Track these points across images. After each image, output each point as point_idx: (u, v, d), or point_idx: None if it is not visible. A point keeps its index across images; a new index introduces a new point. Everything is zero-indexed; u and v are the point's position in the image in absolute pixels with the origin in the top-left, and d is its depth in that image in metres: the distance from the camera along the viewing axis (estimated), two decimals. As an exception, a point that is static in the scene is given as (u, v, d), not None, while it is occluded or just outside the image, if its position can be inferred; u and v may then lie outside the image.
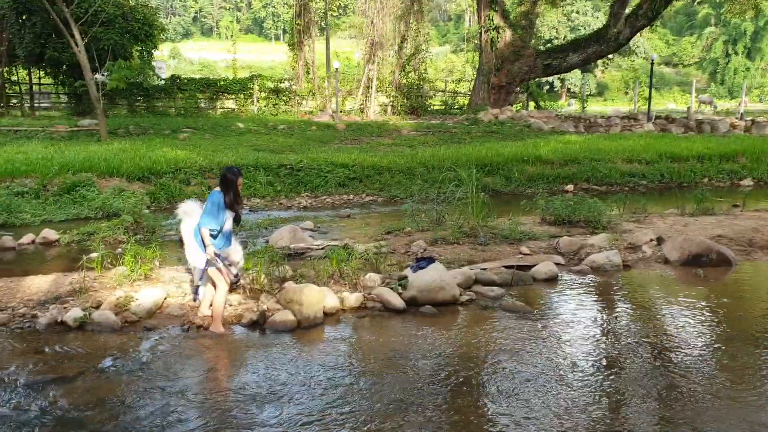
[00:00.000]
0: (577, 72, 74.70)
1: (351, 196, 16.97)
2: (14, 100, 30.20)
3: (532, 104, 36.96)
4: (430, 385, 5.52)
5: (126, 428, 4.74)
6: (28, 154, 17.19)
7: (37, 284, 7.91)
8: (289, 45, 35.74)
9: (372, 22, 31.22)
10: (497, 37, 31.47)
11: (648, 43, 71.22)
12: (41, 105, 32.08)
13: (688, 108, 37.56)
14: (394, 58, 33.03)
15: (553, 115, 31.55)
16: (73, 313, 6.80)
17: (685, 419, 4.92)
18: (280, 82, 32.93)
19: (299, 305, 6.91)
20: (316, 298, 7.04)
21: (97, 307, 7.06)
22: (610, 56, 69.36)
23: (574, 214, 11.58)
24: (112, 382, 5.53)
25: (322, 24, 38.53)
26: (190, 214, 7.30)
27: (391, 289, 7.61)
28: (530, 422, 4.88)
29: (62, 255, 10.37)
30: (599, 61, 73.75)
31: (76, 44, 20.53)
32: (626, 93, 68.16)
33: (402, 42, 32.58)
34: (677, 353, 6.24)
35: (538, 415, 4.99)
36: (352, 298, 7.48)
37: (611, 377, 5.68)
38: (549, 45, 41.12)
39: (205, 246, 6.54)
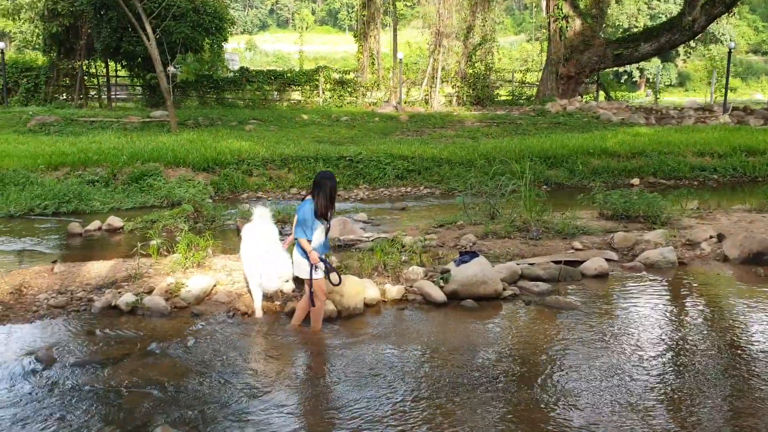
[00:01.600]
0: (657, 61, 72.33)
1: (408, 189, 17.01)
2: (93, 92, 31.55)
3: (602, 95, 35.98)
4: (457, 379, 5.53)
5: (161, 409, 4.95)
6: (101, 144, 18.00)
7: (97, 269, 8.29)
8: (354, 36, 35.97)
9: (438, 11, 31.04)
10: (566, 27, 30.77)
11: (735, 30, 67.99)
12: (118, 96, 33.44)
13: (771, 98, 35.84)
14: (460, 48, 32.74)
15: (624, 106, 30.63)
16: (126, 298, 7.12)
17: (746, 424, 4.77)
18: (346, 74, 33.20)
19: (340, 296, 7.02)
20: (357, 289, 7.12)
21: (149, 293, 7.36)
22: (693, 44, 66.94)
23: (632, 209, 11.27)
24: (155, 364, 5.76)
25: (390, 15, 38.50)
26: (262, 219, 7.43)
27: (433, 282, 7.62)
28: (565, 418, 4.83)
29: (125, 242, 10.81)
30: (681, 50, 71.39)
31: (148, 38, 21.28)
32: (709, 83, 65.51)
33: (468, 32, 32.25)
34: (722, 354, 6.01)
35: (567, 412, 4.92)
36: (394, 290, 7.53)
37: (648, 378, 5.52)
38: (627, 34, 39.65)
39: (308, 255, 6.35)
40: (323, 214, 6.40)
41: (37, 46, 30.91)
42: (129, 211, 13.37)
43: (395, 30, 37.52)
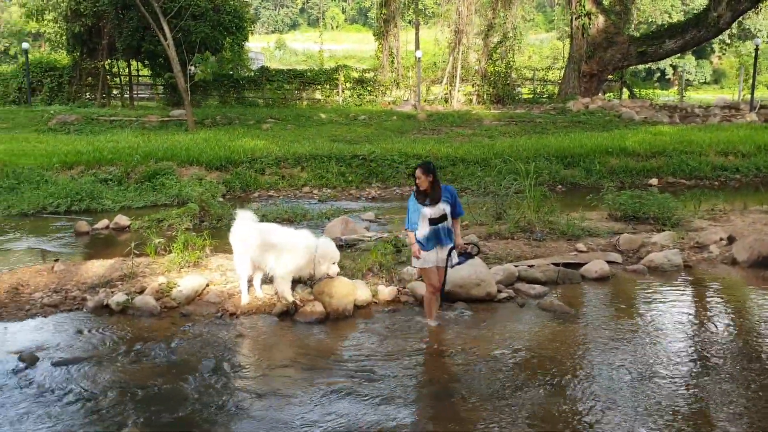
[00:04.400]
0: (691, 58, 71.04)
1: (422, 188, 16.83)
2: (115, 92, 31.95)
3: (626, 93, 35.43)
4: (424, 381, 5.47)
5: (135, 410, 4.92)
6: (116, 143, 18.19)
7: (95, 268, 8.33)
8: (374, 34, 35.90)
9: (457, 9, 30.83)
10: (589, 24, 30.34)
11: (769, 25, 66.53)
12: (140, 96, 33.81)
13: (802, 96, 34.95)
14: (480, 46, 32.49)
15: (648, 104, 30.10)
16: (117, 298, 7.13)
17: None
18: (365, 72, 33.16)
19: (329, 297, 6.96)
20: (347, 290, 7.05)
21: (141, 293, 7.37)
22: (728, 41, 65.48)
23: (642, 210, 11.04)
24: (137, 365, 5.75)
25: (411, 13, 38.34)
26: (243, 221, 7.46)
27: (427, 283, 7.51)
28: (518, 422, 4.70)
29: (130, 240, 10.85)
30: (716, 47, 69.92)
31: (165, 37, 21.44)
32: (746, 80, 64.13)
33: (489, 30, 31.99)
34: (711, 358, 5.82)
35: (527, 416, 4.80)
36: (386, 292, 7.45)
37: (624, 383, 5.36)
38: (651, 31, 38.91)
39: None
40: (420, 201, 6.51)
41: (61, 46, 31.35)
42: (140, 210, 13.46)
43: (417, 28, 37.36)
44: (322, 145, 19.19)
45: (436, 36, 38.10)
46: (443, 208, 6.47)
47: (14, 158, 15.63)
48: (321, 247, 6.96)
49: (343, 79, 31.90)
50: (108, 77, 31.08)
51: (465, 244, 7.00)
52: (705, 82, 72.40)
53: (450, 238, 6.56)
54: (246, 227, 7.25)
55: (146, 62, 30.40)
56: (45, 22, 31.04)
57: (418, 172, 6.48)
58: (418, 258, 6.53)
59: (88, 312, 7.09)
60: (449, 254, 6.56)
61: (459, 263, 7.36)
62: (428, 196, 6.49)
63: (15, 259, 9.64)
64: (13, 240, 10.93)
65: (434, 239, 6.50)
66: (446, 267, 6.61)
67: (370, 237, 10.06)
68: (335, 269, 6.95)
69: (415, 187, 6.58)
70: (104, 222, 11.89)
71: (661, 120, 26.85)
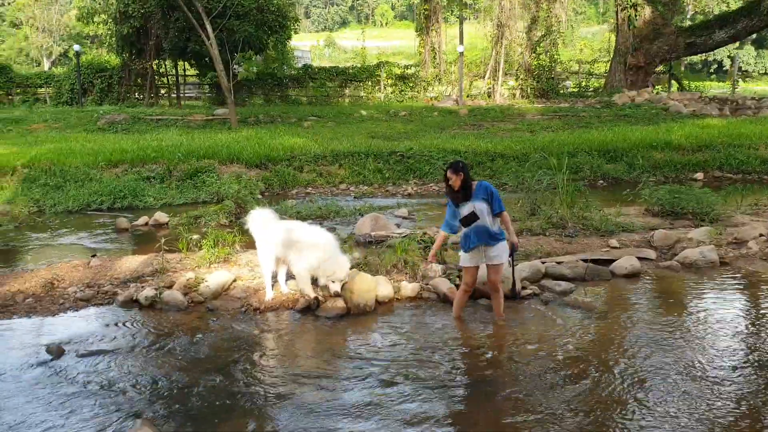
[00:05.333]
0: (750, 49, 68.58)
1: (459, 184, 16.74)
2: (163, 91, 32.68)
3: (675, 85, 34.49)
4: (439, 375, 5.45)
5: (149, 402, 5.06)
6: (161, 142, 18.61)
7: (128, 264, 8.57)
8: (416, 30, 35.81)
9: (500, 3, 30.50)
10: (635, 15, 29.63)
11: None
12: (187, 95, 34.50)
13: None
14: (523, 40, 32.08)
15: (697, 96, 29.23)
16: (146, 292, 7.32)
17: None
18: (407, 69, 33.12)
19: (350, 293, 6.99)
20: (368, 286, 7.07)
21: (170, 287, 7.54)
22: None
23: (680, 205, 10.75)
24: (158, 358, 5.90)
25: (454, 7, 38.05)
26: (262, 220, 7.55)
27: (449, 280, 7.49)
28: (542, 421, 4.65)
29: (168, 237, 11.12)
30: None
31: (208, 37, 21.82)
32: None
33: (532, 23, 31.57)
34: (735, 359, 5.64)
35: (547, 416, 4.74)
36: (409, 288, 7.45)
37: (635, 384, 5.24)
38: (700, 21, 37.70)
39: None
40: (453, 201, 6.54)
41: (111, 48, 32.26)
42: (180, 207, 13.78)
43: (461, 22, 37.06)
44: (360, 142, 19.27)
45: (478, 30, 37.82)
46: (473, 205, 6.36)
47: (62, 157, 16.14)
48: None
49: (384, 75, 31.94)
50: (156, 77, 31.79)
51: None
52: (765, 73, 69.79)
53: (492, 236, 6.44)
54: (269, 224, 7.34)
55: (192, 62, 31.03)
56: (96, 24, 31.91)
57: (448, 173, 6.41)
58: (429, 262, 6.85)
59: (118, 306, 7.30)
60: (511, 253, 6.65)
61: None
62: (460, 195, 6.44)
63: (56, 254, 9.97)
64: (57, 236, 11.31)
65: (473, 239, 6.45)
66: (512, 265, 6.88)
67: (399, 234, 10.05)
68: (335, 287, 6.88)
69: (447, 189, 6.52)
70: (144, 219, 12.20)
71: (710, 113, 26.05)
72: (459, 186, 6.36)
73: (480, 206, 6.37)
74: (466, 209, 6.40)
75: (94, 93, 30.45)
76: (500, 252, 6.51)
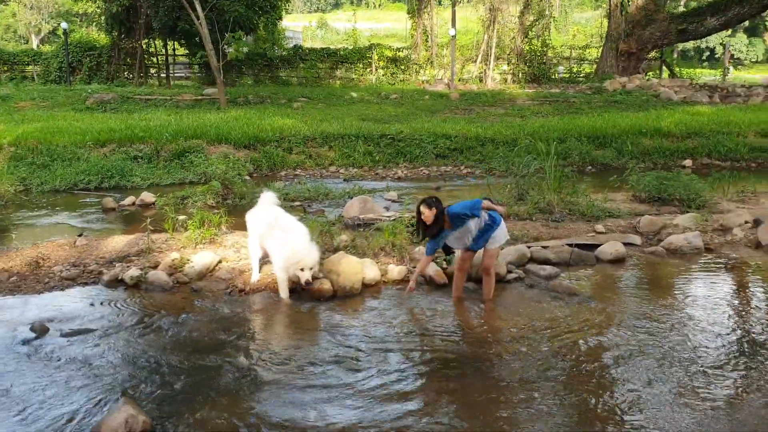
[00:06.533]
0: (742, 36, 68.61)
1: (449, 168, 16.79)
2: (153, 71, 32.37)
3: (666, 72, 34.50)
4: (419, 357, 5.50)
5: (133, 381, 5.06)
6: (149, 122, 18.47)
7: (114, 244, 8.54)
8: (408, 12, 35.59)
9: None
10: (628, 1, 29.57)
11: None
12: (177, 75, 34.19)
13: None
14: (516, 24, 31.96)
15: (688, 83, 29.31)
16: (131, 272, 7.30)
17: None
18: (399, 51, 32.95)
19: (337, 275, 7.00)
20: (355, 269, 7.08)
21: (155, 268, 7.52)
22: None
23: (667, 191, 10.80)
24: (142, 337, 5.89)
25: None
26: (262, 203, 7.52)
27: (436, 263, 7.51)
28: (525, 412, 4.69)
29: (154, 217, 11.07)
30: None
31: (197, 16, 21.60)
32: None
33: (524, 8, 31.44)
34: (716, 343, 5.70)
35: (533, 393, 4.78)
36: (395, 271, 7.46)
37: (627, 371, 5.29)
38: (693, 8, 37.57)
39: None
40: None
41: (100, 26, 31.87)
42: (168, 187, 13.70)
43: (453, 5, 36.85)
44: (350, 125, 19.20)
45: (470, 14, 37.57)
46: (455, 235, 6.58)
47: (49, 136, 15.99)
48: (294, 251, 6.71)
49: (376, 57, 31.77)
50: (145, 57, 31.47)
51: None
52: (757, 62, 69.91)
53: (486, 232, 6.59)
54: (264, 209, 7.32)
55: (182, 41, 30.72)
56: (85, 2, 31.49)
57: (422, 207, 6.42)
58: (411, 289, 6.83)
59: (103, 285, 7.28)
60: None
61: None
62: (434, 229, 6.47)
63: (42, 233, 9.92)
64: (44, 216, 11.25)
65: (477, 245, 6.68)
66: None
67: (388, 217, 10.05)
68: (306, 275, 6.66)
69: (420, 225, 6.55)
70: (131, 198, 12.14)
71: (700, 100, 26.14)
72: (432, 220, 6.38)
73: (464, 230, 6.52)
74: (447, 240, 6.59)
75: (83, 72, 30.11)
76: (497, 235, 6.59)
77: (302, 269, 6.61)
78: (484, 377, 5.19)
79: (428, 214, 6.37)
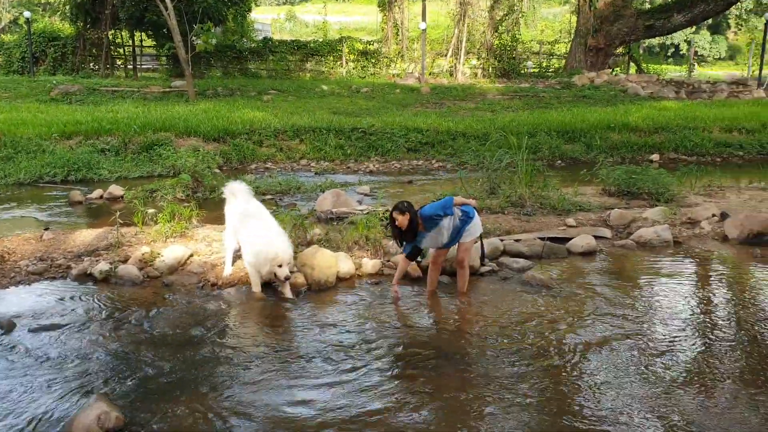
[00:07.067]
0: (706, 34, 69.81)
1: (420, 162, 16.82)
2: (119, 62, 31.80)
3: (633, 68, 34.98)
4: (392, 350, 5.51)
5: (105, 377, 4.97)
6: (116, 114, 18.15)
7: (82, 237, 8.37)
8: (378, 6, 35.50)
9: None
10: (596, -3, 29.93)
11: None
12: (144, 67, 33.60)
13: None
14: (486, 19, 32.08)
15: (655, 79, 29.78)
16: (100, 266, 7.17)
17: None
18: (369, 45, 32.86)
19: (311, 269, 6.96)
20: (329, 262, 7.05)
21: (125, 262, 7.40)
22: (744, 16, 64.03)
23: (636, 185, 10.95)
24: (114, 332, 5.79)
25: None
26: (236, 195, 7.38)
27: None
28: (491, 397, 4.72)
29: (123, 210, 10.89)
30: (732, 22, 68.61)
31: (166, 7, 21.27)
32: (757, 56, 63.02)
33: (495, 2, 31.58)
34: (683, 334, 5.80)
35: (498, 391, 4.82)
36: (369, 265, 7.45)
37: (597, 361, 5.36)
38: (659, 4, 38.11)
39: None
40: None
41: (65, 16, 31.16)
42: (136, 180, 13.50)
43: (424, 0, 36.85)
44: (321, 118, 19.10)
45: (441, 8, 37.56)
46: (431, 236, 6.59)
47: (13, 128, 15.62)
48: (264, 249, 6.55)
49: (347, 50, 31.63)
50: (111, 48, 30.88)
51: None
52: (720, 59, 71.25)
53: (462, 225, 6.65)
54: (240, 203, 7.22)
55: (150, 33, 30.20)
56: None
57: (394, 214, 6.39)
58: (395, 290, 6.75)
59: (72, 280, 7.14)
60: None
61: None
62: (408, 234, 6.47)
63: (7, 227, 9.68)
64: (8, 209, 10.99)
65: (451, 243, 6.75)
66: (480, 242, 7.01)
67: (361, 210, 10.03)
68: (283, 272, 6.53)
69: (394, 230, 6.52)
70: (98, 192, 11.93)
71: (666, 95, 26.57)
72: (406, 226, 6.37)
73: (438, 230, 6.52)
74: (423, 242, 6.61)
75: (47, 62, 29.41)
76: (471, 228, 6.63)
77: (280, 265, 6.50)
78: (458, 369, 5.21)
79: (402, 220, 6.36)
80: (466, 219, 6.62)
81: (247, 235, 6.84)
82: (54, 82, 24.46)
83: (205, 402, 4.65)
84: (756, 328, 6.05)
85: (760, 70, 29.93)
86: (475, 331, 5.96)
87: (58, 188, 12.77)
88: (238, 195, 7.42)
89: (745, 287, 7.29)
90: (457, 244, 6.74)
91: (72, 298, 6.62)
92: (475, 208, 6.79)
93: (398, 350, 5.55)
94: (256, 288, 6.83)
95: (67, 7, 29.30)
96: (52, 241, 8.30)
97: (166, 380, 4.95)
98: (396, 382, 5.00)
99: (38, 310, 6.25)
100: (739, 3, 32.75)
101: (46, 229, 8.99)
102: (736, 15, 66.01)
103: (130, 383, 4.90)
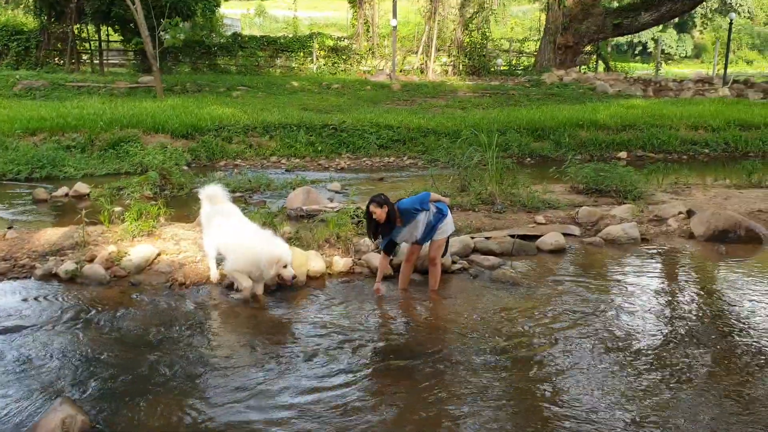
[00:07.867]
0: (672, 32, 70.98)
1: (391, 159, 16.81)
2: (85, 57, 31.20)
3: (601, 66, 35.40)
4: (363, 349, 5.51)
5: (70, 380, 4.87)
6: (82, 110, 17.80)
7: (47, 236, 8.19)
8: (349, 2, 35.39)
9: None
10: (565, -5, 30.19)
11: (754, 1, 66.63)
12: (111, 62, 33.02)
13: (774, 72, 35.18)
14: (456, 16, 32.18)
15: (623, 77, 30.16)
16: (65, 266, 7.03)
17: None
18: (340, 41, 32.74)
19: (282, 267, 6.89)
20: (299, 261, 7.01)
21: (91, 261, 7.26)
22: (709, 15, 65.12)
23: (604, 183, 11.08)
24: (80, 334, 5.68)
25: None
26: (213, 200, 7.24)
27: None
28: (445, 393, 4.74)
29: (89, 209, 10.69)
30: (698, 21, 69.90)
31: (133, 1, 20.93)
32: (722, 55, 64.37)
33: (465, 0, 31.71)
34: (648, 330, 5.89)
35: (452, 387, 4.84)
36: (341, 263, 7.42)
37: (565, 358, 5.41)
38: (627, 3, 38.56)
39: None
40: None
41: (28, 9, 30.46)
42: (102, 178, 13.27)
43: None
44: (292, 114, 18.98)
45: (412, 5, 37.53)
46: (408, 231, 6.62)
47: (-26, 124, 15.27)
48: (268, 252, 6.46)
49: (317, 46, 31.47)
50: (77, 42, 30.28)
51: None
52: (686, 57, 72.47)
53: (436, 223, 6.65)
54: (218, 207, 7.10)
55: (116, 27, 29.63)
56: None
57: (372, 207, 6.36)
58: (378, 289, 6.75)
59: (36, 280, 6.99)
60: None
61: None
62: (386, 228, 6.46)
63: (-32, 226, 9.44)
64: (-32, 207, 10.73)
65: (424, 239, 6.76)
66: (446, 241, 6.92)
67: (332, 208, 9.98)
68: (289, 272, 6.46)
69: (370, 224, 6.49)
70: (64, 189, 11.71)
71: (634, 93, 26.93)
72: (384, 219, 6.36)
73: (414, 225, 6.54)
74: (399, 236, 6.60)
75: (10, 57, 28.74)
76: (444, 226, 6.65)
77: (285, 266, 6.40)
78: (430, 366, 5.20)
79: (380, 213, 6.34)
80: (440, 216, 6.64)
81: (238, 241, 6.63)
82: (17, 77, 23.91)
83: (171, 405, 4.58)
84: (718, 323, 6.17)
85: (725, 68, 30.52)
86: (447, 329, 5.97)
87: (22, 186, 12.50)
88: (215, 200, 7.28)
89: (710, 284, 7.42)
90: (430, 241, 6.75)
91: (36, 298, 6.48)
92: (448, 206, 6.81)
93: (370, 348, 5.54)
94: (247, 283, 6.56)
95: (31, 1, 28.59)
96: (15, 240, 8.11)
97: (134, 382, 4.88)
98: (367, 381, 4.99)
99: (1, 311, 6.10)
100: (704, 2, 33.25)
101: (10, 227, 8.79)
102: (702, 14, 67.31)
103: (96, 385, 4.81)
